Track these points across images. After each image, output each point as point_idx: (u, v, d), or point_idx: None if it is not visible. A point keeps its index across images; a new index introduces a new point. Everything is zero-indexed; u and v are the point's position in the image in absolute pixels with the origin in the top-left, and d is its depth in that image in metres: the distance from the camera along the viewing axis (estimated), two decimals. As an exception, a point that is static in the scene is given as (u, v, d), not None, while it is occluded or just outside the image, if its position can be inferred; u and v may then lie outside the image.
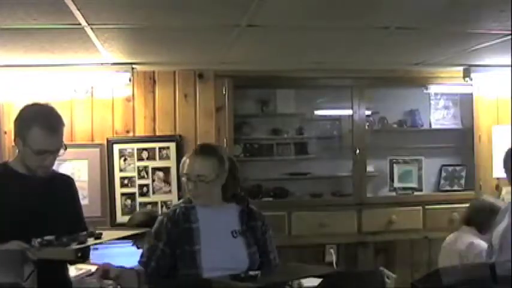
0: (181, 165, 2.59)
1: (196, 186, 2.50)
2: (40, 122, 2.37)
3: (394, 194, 4.98)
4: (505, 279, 2.10)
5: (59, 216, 2.52)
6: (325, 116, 5.24)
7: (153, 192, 4.44)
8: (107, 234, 2.56)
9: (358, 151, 4.73)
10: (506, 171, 2.93)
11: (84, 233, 2.49)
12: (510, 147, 2.94)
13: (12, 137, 2.51)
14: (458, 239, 3.65)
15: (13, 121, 2.49)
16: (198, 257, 2.46)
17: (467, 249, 3.51)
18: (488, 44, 3.57)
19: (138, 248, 3.80)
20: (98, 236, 2.47)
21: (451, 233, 3.80)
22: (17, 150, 2.52)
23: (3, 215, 2.35)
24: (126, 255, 4.17)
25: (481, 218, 3.57)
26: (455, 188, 5.11)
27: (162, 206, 4.43)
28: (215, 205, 2.60)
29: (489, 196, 4.17)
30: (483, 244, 3.39)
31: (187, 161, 2.55)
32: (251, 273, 2.40)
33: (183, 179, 2.57)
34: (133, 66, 4.12)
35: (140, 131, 4.45)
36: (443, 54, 3.98)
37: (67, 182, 2.72)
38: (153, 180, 4.44)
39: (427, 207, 4.81)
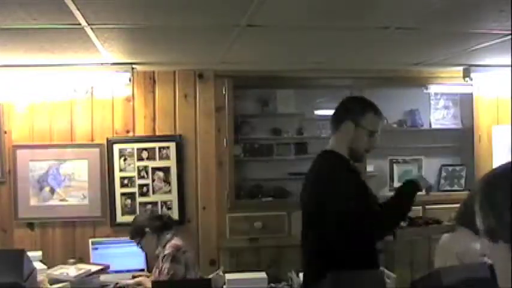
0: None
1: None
2: (374, 108, 2.79)
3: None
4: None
5: None
6: (325, 116, 5.23)
7: (153, 192, 4.44)
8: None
9: (358, 151, 4.73)
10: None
11: None
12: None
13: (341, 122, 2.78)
14: (455, 240, 3.61)
15: (343, 109, 2.81)
16: None
17: (464, 252, 3.47)
18: (488, 44, 3.57)
19: (142, 249, 3.82)
20: None
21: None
22: (330, 139, 2.84)
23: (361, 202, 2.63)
24: (126, 255, 4.20)
25: (474, 217, 3.50)
26: (455, 188, 5.11)
27: (162, 206, 4.43)
28: None
29: None
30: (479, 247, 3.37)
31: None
32: None
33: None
34: (133, 66, 4.12)
35: (140, 131, 4.45)
36: (443, 54, 3.98)
37: None
38: (153, 180, 4.44)
39: (427, 207, 4.81)
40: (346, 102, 2.87)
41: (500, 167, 1.13)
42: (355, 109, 2.77)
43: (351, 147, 2.75)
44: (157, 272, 3.66)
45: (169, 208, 4.43)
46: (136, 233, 3.76)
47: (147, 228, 3.72)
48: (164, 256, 3.61)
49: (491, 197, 1.08)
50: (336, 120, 2.80)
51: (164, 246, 3.69)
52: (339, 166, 2.72)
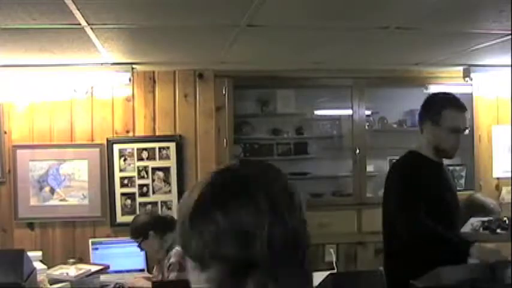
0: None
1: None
2: (452, 103, 2.71)
3: (394, 194, 4.97)
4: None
5: (456, 201, 2.80)
6: (325, 116, 5.24)
7: (153, 192, 4.44)
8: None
9: (358, 151, 4.73)
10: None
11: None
12: None
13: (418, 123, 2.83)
14: None
15: (423, 108, 2.81)
16: None
17: None
18: (488, 44, 3.57)
19: (141, 249, 3.81)
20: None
21: None
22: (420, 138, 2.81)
23: (421, 200, 2.60)
24: (126, 255, 4.19)
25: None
26: (455, 188, 5.10)
27: (162, 206, 4.43)
28: None
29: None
30: None
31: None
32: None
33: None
34: (133, 66, 4.12)
35: (140, 131, 4.45)
36: (443, 54, 3.98)
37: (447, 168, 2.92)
38: (153, 180, 4.44)
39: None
40: (426, 99, 2.85)
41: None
42: (432, 107, 2.74)
43: (435, 146, 2.71)
44: (160, 277, 3.65)
45: (169, 208, 4.42)
46: (138, 234, 3.73)
47: (151, 231, 3.68)
48: (170, 265, 3.57)
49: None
50: (419, 119, 2.80)
51: (168, 251, 3.65)
52: (405, 166, 2.76)
